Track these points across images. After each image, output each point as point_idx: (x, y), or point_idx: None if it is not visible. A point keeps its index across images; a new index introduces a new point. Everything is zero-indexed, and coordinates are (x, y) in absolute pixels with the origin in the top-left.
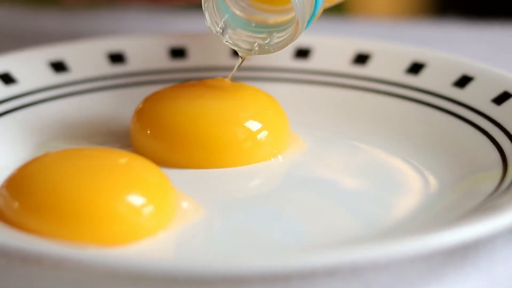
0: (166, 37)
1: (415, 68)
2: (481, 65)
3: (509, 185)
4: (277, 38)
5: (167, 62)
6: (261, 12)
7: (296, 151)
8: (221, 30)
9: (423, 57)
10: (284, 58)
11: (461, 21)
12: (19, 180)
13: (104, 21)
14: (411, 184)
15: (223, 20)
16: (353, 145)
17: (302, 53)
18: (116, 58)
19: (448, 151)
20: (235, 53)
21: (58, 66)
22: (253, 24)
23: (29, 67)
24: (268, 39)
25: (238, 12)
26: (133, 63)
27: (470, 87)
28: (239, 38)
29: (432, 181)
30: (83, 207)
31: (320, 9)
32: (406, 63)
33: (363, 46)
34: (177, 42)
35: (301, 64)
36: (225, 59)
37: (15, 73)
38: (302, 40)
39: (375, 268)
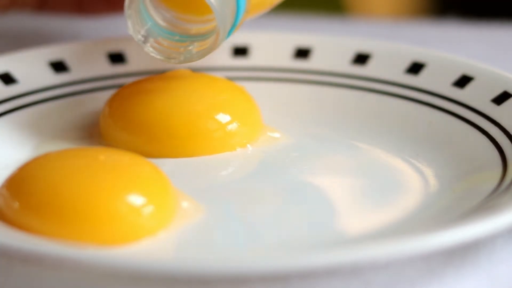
0: None
1: (415, 68)
2: (481, 65)
3: (509, 185)
4: (198, 47)
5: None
6: (183, 22)
7: (295, 150)
8: (142, 38)
9: (423, 57)
10: (284, 58)
11: (461, 21)
12: (19, 180)
13: (104, 21)
14: (411, 184)
15: (145, 28)
16: (353, 144)
17: (302, 53)
18: (116, 58)
19: (448, 151)
20: (235, 53)
21: (58, 66)
22: (175, 33)
23: (29, 67)
24: (190, 48)
25: (160, 21)
26: (133, 63)
27: (470, 87)
28: (161, 47)
29: (432, 181)
30: (83, 207)
31: (240, 20)
32: (406, 63)
33: (363, 46)
34: None
35: (301, 64)
36: (225, 59)
37: (15, 73)
38: (302, 40)
39: (375, 268)
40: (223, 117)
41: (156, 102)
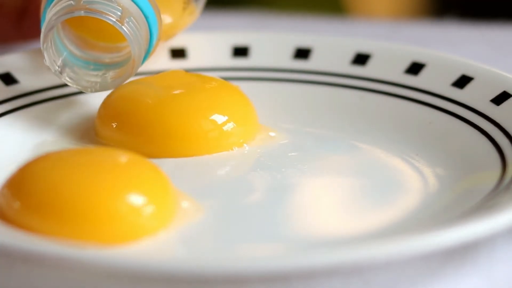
0: None
1: (415, 68)
2: (481, 65)
3: (508, 185)
4: (113, 75)
5: (167, 63)
6: (97, 51)
7: (293, 150)
8: (59, 69)
9: (423, 57)
10: (284, 58)
11: (460, 21)
12: (20, 180)
13: None
14: (411, 183)
15: (61, 59)
16: (353, 144)
17: (302, 53)
18: None
19: (447, 151)
20: (235, 53)
21: None
22: (90, 62)
23: (29, 67)
24: (106, 76)
25: (75, 51)
26: None
27: (469, 87)
28: (77, 76)
29: (432, 180)
30: (83, 207)
31: (154, 47)
32: (406, 63)
33: (363, 46)
34: (177, 43)
35: (301, 64)
36: (225, 59)
37: (15, 73)
38: (302, 40)
39: (375, 268)
40: (220, 117)
41: (152, 103)
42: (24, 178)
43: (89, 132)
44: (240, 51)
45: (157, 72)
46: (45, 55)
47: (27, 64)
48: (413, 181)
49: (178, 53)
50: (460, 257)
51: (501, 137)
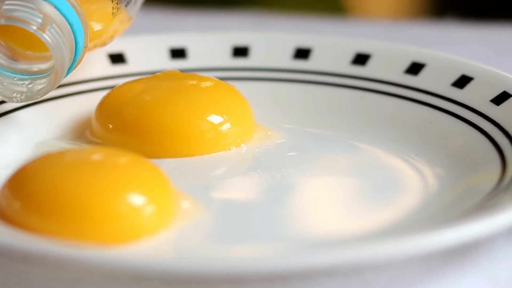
0: (166, 38)
1: (415, 68)
2: (480, 65)
3: (508, 185)
4: (39, 84)
5: (167, 63)
6: (23, 61)
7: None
8: None
9: (423, 57)
10: (284, 58)
11: (460, 21)
12: (20, 180)
13: None
14: (410, 183)
15: None
16: (353, 144)
17: (302, 53)
18: (117, 58)
19: (447, 151)
20: (235, 53)
21: None
22: (16, 72)
23: None
24: (31, 86)
25: (1, 61)
26: (133, 64)
27: (469, 87)
28: (2, 86)
29: (431, 180)
30: (84, 207)
31: (80, 56)
32: (406, 63)
33: (363, 46)
34: (177, 43)
35: (301, 64)
36: (225, 59)
37: None
38: (302, 40)
39: (375, 268)
40: (218, 116)
41: (150, 103)
42: (24, 178)
43: (89, 132)
44: (240, 51)
45: (157, 72)
46: None
47: None
48: (412, 181)
49: (178, 53)
50: (460, 257)
51: (501, 137)
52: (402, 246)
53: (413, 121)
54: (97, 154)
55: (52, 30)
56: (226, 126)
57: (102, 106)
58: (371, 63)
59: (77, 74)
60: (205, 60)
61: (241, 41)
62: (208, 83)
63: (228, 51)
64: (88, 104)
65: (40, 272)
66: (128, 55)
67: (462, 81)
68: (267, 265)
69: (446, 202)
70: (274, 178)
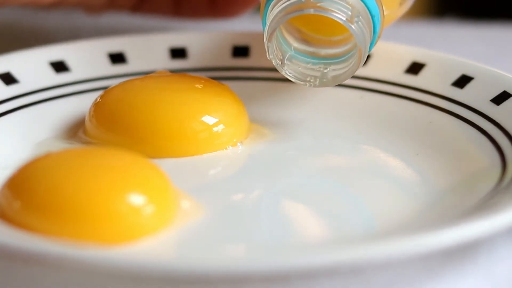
0: (166, 37)
1: (415, 68)
2: (480, 65)
3: (508, 184)
4: (335, 70)
5: (167, 63)
6: (319, 45)
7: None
8: (280, 62)
9: (423, 57)
10: None
11: (460, 21)
12: (20, 180)
13: (104, 21)
14: (410, 183)
15: (284, 54)
16: (352, 144)
17: None
18: (117, 58)
19: (447, 151)
20: (235, 53)
21: (59, 66)
22: (309, 57)
23: (30, 67)
24: (325, 71)
25: (298, 46)
26: (133, 63)
27: (469, 87)
28: (298, 70)
29: (431, 180)
30: (84, 207)
31: (378, 35)
32: (406, 63)
33: None
34: (177, 43)
35: None
36: (225, 59)
37: (16, 73)
38: None
39: (375, 268)
40: (213, 116)
41: (144, 103)
42: (24, 178)
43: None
44: (240, 51)
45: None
46: (268, 49)
47: (27, 64)
48: (412, 181)
49: (178, 53)
50: (460, 257)
51: (501, 137)
52: (402, 246)
53: (413, 121)
54: (98, 154)
55: (359, 22)
56: (222, 125)
57: (97, 106)
58: (371, 63)
59: (78, 73)
60: (205, 60)
61: (241, 41)
62: (201, 82)
63: (228, 51)
64: (89, 103)
65: (40, 272)
66: (128, 55)
67: (462, 81)
68: (267, 265)
69: (446, 202)
70: (274, 178)
